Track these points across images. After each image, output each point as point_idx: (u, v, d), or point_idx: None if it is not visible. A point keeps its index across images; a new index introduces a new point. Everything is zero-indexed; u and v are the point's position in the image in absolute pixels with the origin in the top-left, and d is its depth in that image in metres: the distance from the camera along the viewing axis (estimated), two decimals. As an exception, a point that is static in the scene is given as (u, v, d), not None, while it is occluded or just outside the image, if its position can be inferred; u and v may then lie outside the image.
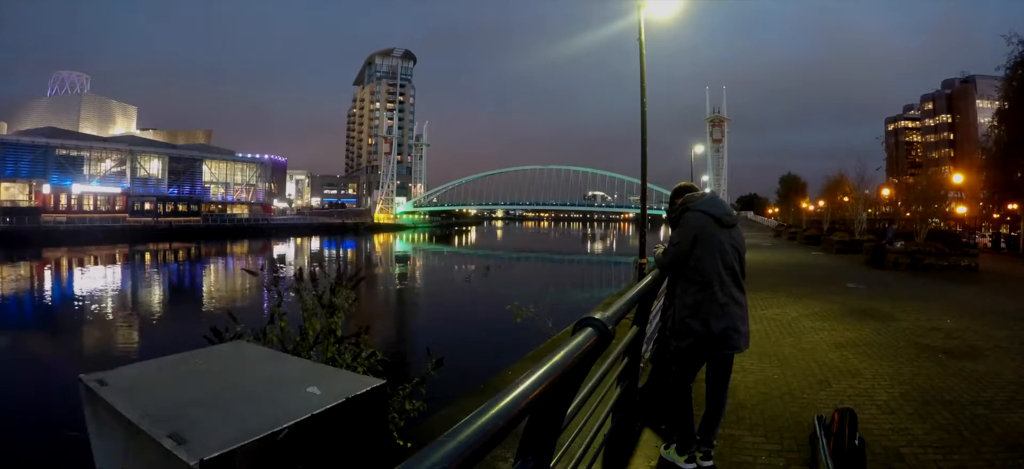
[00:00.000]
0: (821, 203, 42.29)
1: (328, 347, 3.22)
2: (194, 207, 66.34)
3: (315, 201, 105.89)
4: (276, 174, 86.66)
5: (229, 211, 71.25)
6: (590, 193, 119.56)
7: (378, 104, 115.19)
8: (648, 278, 2.80)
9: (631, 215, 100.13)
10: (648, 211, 11.24)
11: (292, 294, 3.48)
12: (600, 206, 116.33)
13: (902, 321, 7.21)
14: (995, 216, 42.85)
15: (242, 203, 74.18)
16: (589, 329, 1.27)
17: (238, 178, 75.79)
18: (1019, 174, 24.55)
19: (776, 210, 72.32)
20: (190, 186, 69.14)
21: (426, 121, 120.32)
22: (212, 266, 33.29)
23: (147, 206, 61.93)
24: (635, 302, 2.35)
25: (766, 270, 14.64)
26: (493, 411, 0.88)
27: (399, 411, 3.31)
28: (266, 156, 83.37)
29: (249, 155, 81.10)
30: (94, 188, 60.38)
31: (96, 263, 31.61)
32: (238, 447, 1.01)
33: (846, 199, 33.29)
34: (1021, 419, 3.68)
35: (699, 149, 58.73)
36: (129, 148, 66.31)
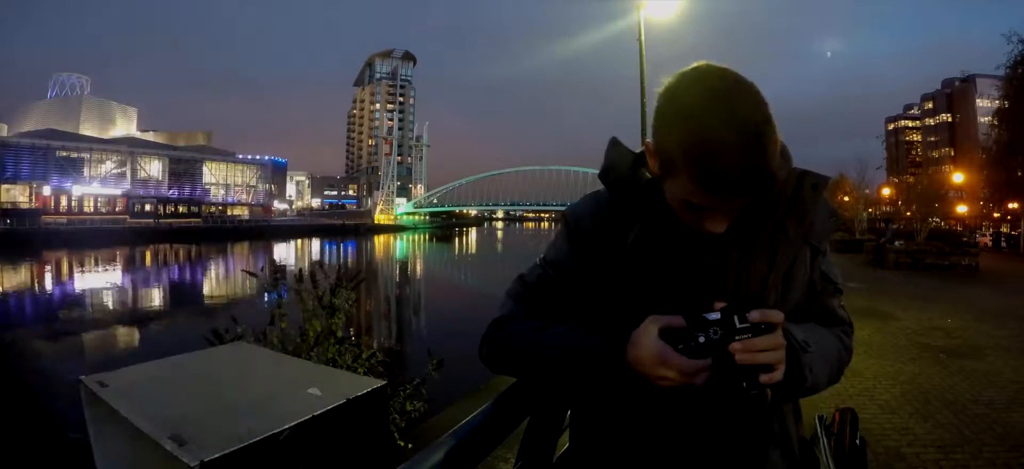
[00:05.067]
0: (821, 203, 42.16)
1: (328, 348, 3.22)
2: (194, 208, 66.39)
3: (315, 202, 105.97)
4: (276, 175, 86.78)
5: (229, 212, 71.28)
6: (589, 193, 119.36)
7: (378, 105, 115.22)
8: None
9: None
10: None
11: (292, 295, 3.48)
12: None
13: (903, 320, 7.21)
14: (995, 215, 42.89)
15: (242, 204, 74.23)
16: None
17: (238, 179, 75.84)
18: (1019, 173, 24.57)
19: (776, 210, 72.13)
20: (190, 187, 69.18)
21: (426, 122, 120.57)
22: (212, 267, 33.29)
23: (147, 207, 61.99)
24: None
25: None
26: (493, 412, 0.88)
27: (400, 412, 3.31)
28: (266, 157, 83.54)
29: (249, 156, 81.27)
30: (94, 190, 60.43)
31: (97, 265, 31.62)
32: (239, 448, 1.01)
33: (846, 199, 33.32)
34: (1022, 419, 3.68)
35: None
36: (129, 150, 66.37)
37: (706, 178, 0.67)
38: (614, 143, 0.87)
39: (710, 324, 0.67)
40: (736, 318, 0.67)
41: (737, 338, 0.66)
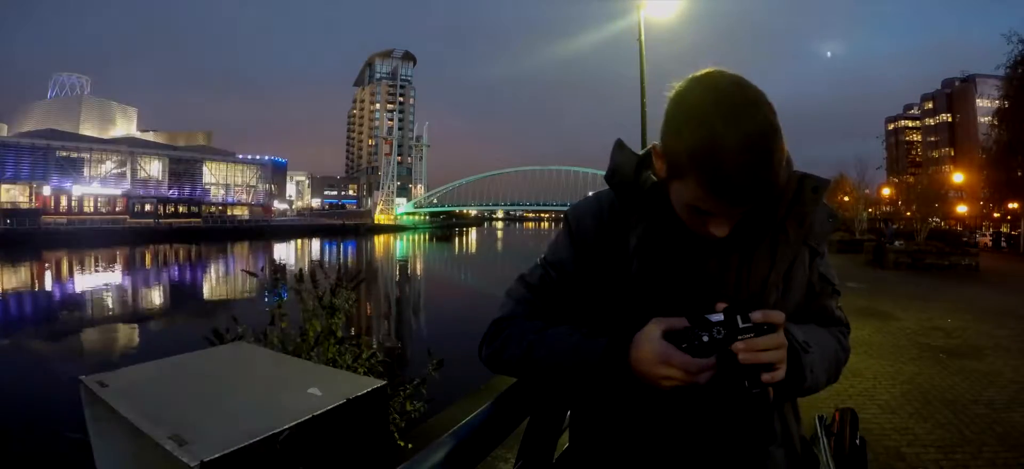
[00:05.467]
0: (821, 203, 42.22)
1: (328, 348, 3.22)
2: (194, 208, 66.38)
3: (315, 202, 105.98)
4: (276, 175, 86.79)
5: (229, 212, 71.27)
6: (591, 194, 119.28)
7: (378, 105, 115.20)
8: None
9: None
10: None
11: (292, 295, 3.48)
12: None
13: (903, 320, 7.21)
14: (995, 215, 42.92)
15: (242, 204, 74.22)
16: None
17: (238, 179, 75.82)
18: (1019, 173, 24.56)
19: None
20: (190, 187, 69.18)
21: (426, 122, 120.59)
22: (212, 267, 33.30)
23: (147, 207, 61.97)
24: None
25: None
26: (493, 412, 0.88)
27: (400, 412, 3.30)
28: (266, 157, 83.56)
29: (249, 156, 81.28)
30: (94, 190, 60.42)
31: (96, 265, 31.63)
32: (239, 448, 1.01)
33: (846, 199, 33.31)
34: (1022, 419, 3.68)
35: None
36: (129, 150, 66.36)
37: (713, 184, 0.67)
38: (619, 145, 0.88)
39: (713, 324, 0.68)
40: (739, 318, 0.67)
41: (740, 338, 0.66)
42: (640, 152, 0.86)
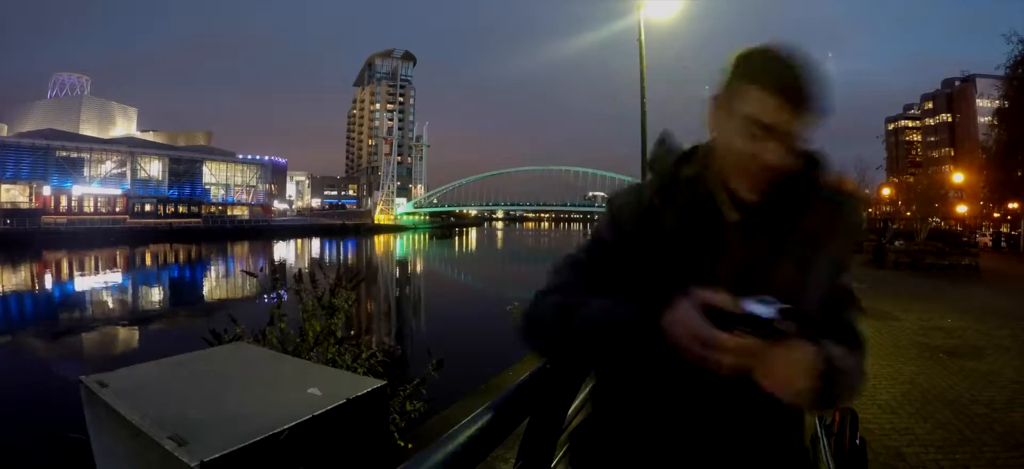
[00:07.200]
0: (821, 203, 42.21)
1: (328, 348, 3.22)
2: (194, 208, 66.35)
3: (315, 202, 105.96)
4: (276, 175, 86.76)
5: (229, 212, 71.24)
6: (590, 194, 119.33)
7: (378, 105, 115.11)
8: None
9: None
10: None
11: (292, 295, 3.47)
12: (601, 207, 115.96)
13: (903, 320, 7.21)
14: (995, 215, 42.91)
15: (242, 204, 74.17)
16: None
17: (238, 179, 75.77)
18: (1019, 173, 24.56)
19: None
20: (190, 187, 69.11)
21: (426, 122, 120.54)
22: (212, 267, 33.29)
23: (147, 207, 61.96)
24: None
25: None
26: (493, 412, 0.88)
27: (400, 412, 3.30)
28: (266, 157, 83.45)
29: (249, 156, 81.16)
30: (94, 190, 60.37)
31: (96, 265, 31.61)
32: (239, 448, 1.01)
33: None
34: (1022, 418, 3.68)
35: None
36: (129, 149, 66.31)
37: (778, 81, 0.75)
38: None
39: (761, 319, 0.68)
40: (780, 317, 0.67)
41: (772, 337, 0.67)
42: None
